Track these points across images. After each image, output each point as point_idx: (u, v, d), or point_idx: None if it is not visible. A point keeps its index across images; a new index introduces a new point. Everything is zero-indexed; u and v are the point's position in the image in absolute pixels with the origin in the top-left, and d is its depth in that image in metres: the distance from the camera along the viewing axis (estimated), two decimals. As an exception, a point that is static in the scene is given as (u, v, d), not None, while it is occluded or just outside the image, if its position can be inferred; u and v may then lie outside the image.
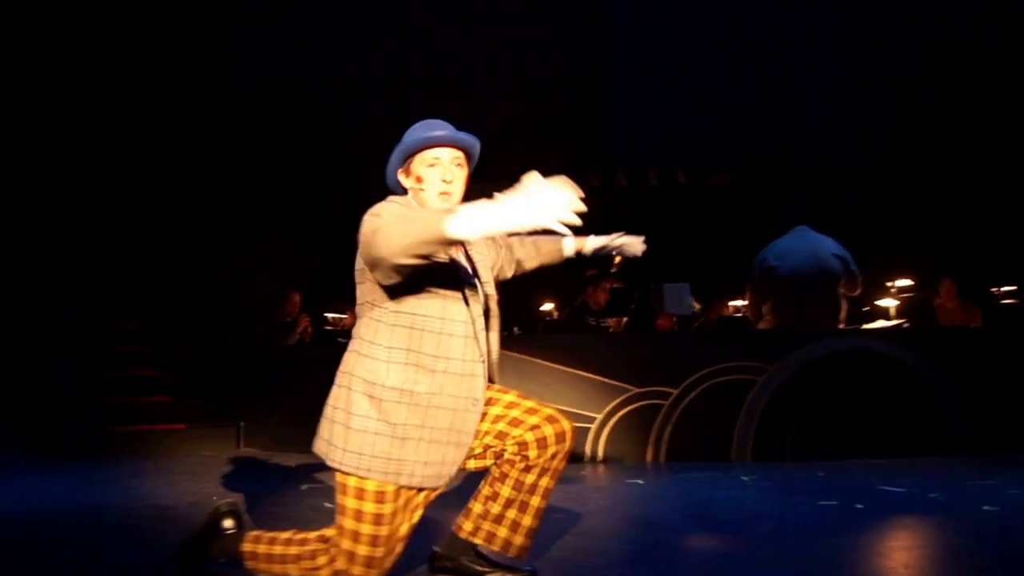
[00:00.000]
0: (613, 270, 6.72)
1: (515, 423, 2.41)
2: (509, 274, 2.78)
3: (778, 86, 9.37)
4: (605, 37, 9.75)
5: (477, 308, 2.40)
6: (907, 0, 8.66)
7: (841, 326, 5.75)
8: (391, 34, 8.92)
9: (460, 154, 2.43)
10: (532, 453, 2.40)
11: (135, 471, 5.16)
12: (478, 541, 2.51)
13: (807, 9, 9.43)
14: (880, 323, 5.98)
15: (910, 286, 6.46)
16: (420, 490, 2.34)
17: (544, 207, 1.89)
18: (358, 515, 2.28)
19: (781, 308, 5.73)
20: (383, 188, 2.52)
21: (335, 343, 6.80)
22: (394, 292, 2.29)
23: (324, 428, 2.33)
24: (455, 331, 2.32)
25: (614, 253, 2.79)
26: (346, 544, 2.28)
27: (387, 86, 8.63)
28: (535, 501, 2.45)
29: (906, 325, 5.81)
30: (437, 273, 2.30)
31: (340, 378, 2.35)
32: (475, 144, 2.45)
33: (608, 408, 5.35)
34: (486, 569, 2.54)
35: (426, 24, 8.78)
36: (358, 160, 8.37)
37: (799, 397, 5.29)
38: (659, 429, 5.32)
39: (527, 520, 2.46)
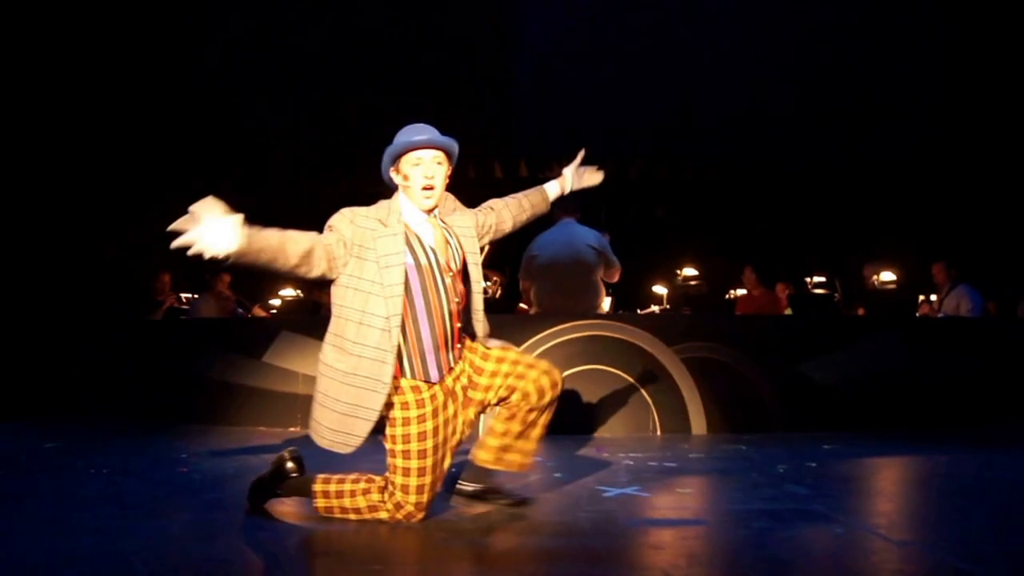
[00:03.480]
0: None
1: (520, 377, 3.06)
2: (508, 228, 3.34)
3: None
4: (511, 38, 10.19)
5: (395, 305, 2.87)
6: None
7: (600, 311, 6.17)
8: (289, 31, 9.52)
9: (440, 154, 3.01)
10: (534, 399, 3.06)
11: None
12: (497, 467, 3.16)
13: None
14: (653, 309, 6.37)
15: (694, 275, 6.80)
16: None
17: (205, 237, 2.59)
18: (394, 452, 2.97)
19: (541, 295, 6.18)
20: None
21: (179, 321, 7.54)
22: (335, 291, 2.96)
23: None
24: (374, 323, 2.89)
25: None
26: (399, 479, 2.95)
27: (281, 77, 9.25)
28: (536, 432, 3.16)
29: (658, 311, 6.19)
30: (366, 275, 2.91)
31: None
32: (454, 145, 3.04)
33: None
34: (500, 496, 3.20)
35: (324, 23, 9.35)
36: (239, 147, 9.05)
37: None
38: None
39: (531, 445, 3.18)
